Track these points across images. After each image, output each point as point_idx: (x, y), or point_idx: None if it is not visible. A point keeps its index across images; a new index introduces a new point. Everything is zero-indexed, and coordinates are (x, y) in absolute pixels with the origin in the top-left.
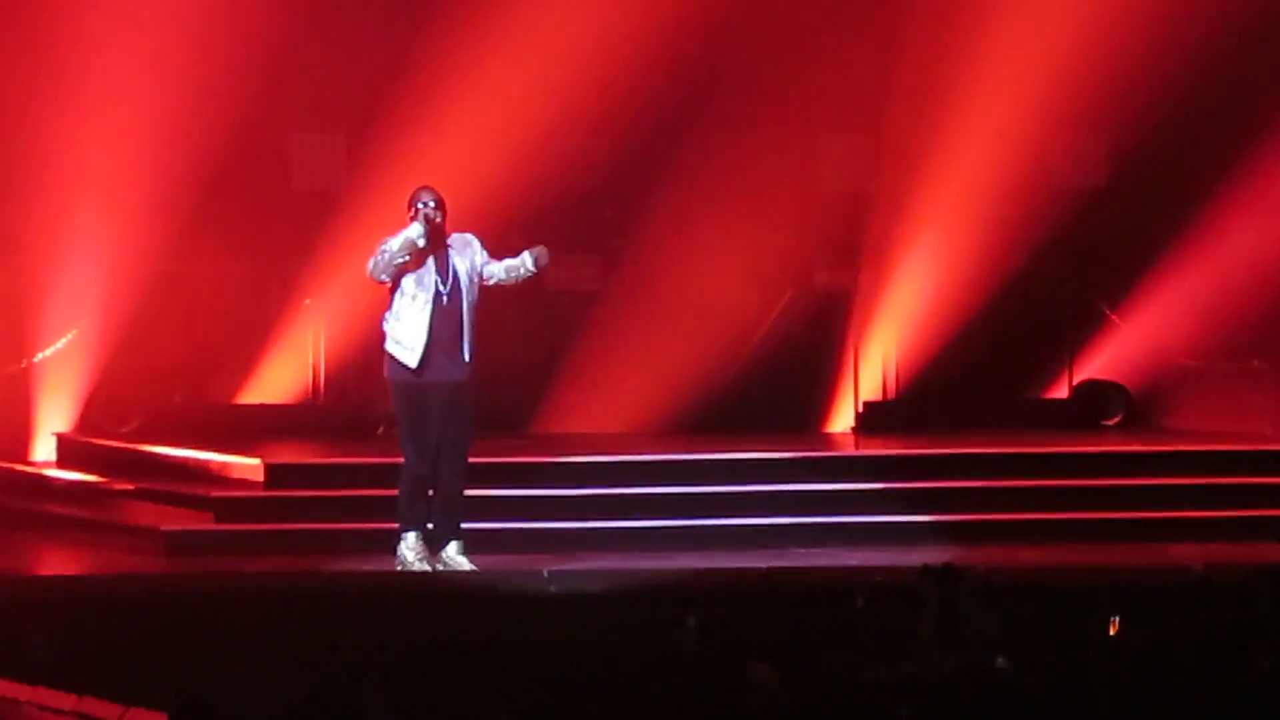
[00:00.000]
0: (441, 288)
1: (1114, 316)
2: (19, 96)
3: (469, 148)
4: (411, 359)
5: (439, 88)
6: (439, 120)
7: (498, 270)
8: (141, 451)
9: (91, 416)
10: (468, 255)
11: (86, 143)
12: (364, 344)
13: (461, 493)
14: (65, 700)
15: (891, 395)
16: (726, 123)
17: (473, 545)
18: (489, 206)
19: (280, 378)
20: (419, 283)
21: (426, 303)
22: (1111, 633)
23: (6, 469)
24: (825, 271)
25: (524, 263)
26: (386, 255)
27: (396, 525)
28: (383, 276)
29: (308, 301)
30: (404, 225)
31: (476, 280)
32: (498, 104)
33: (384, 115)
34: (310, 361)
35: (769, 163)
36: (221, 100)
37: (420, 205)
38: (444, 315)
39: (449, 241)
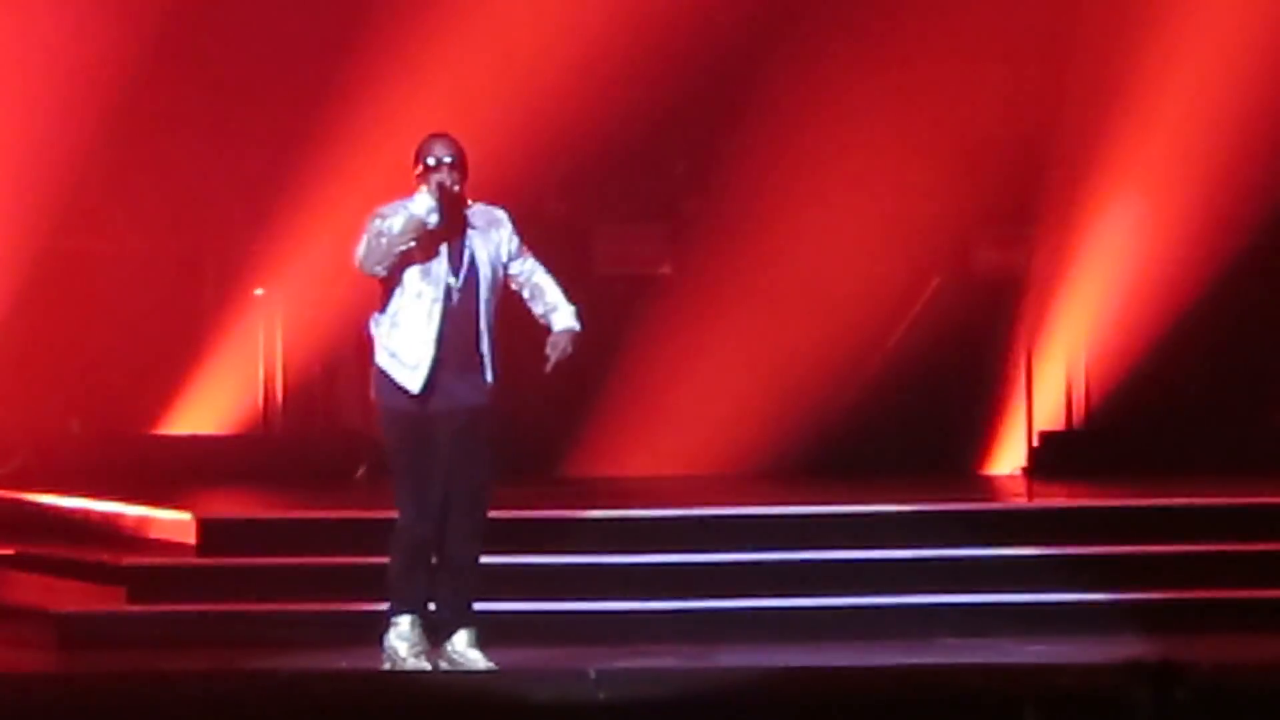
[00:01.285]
0: (453, 281)
1: None
2: None
3: (485, 80)
4: (413, 380)
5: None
6: (444, 48)
7: (531, 282)
8: (25, 502)
9: None
10: (493, 239)
11: None
12: (339, 350)
13: (477, 562)
14: None
15: (1078, 424)
16: (846, 47)
17: (490, 635)
18: (511, 161)
19: (220, 399)
20: (425, 274)
21: (435, 301)
22: None
23: None
24: (987, 250)
25: (556, 320)
26: (385, 240)
27: (385, 606)
28: (378, 269)
29: (259, 292)
30: (404, 190)
31: (501, 274)
32: (525, 21)
33: (371, 35)
34: (262, 375)
35: (907, 103)
36: (144, 41)
37: (430, 164)
38: (457, 319)
39: (469, 216)
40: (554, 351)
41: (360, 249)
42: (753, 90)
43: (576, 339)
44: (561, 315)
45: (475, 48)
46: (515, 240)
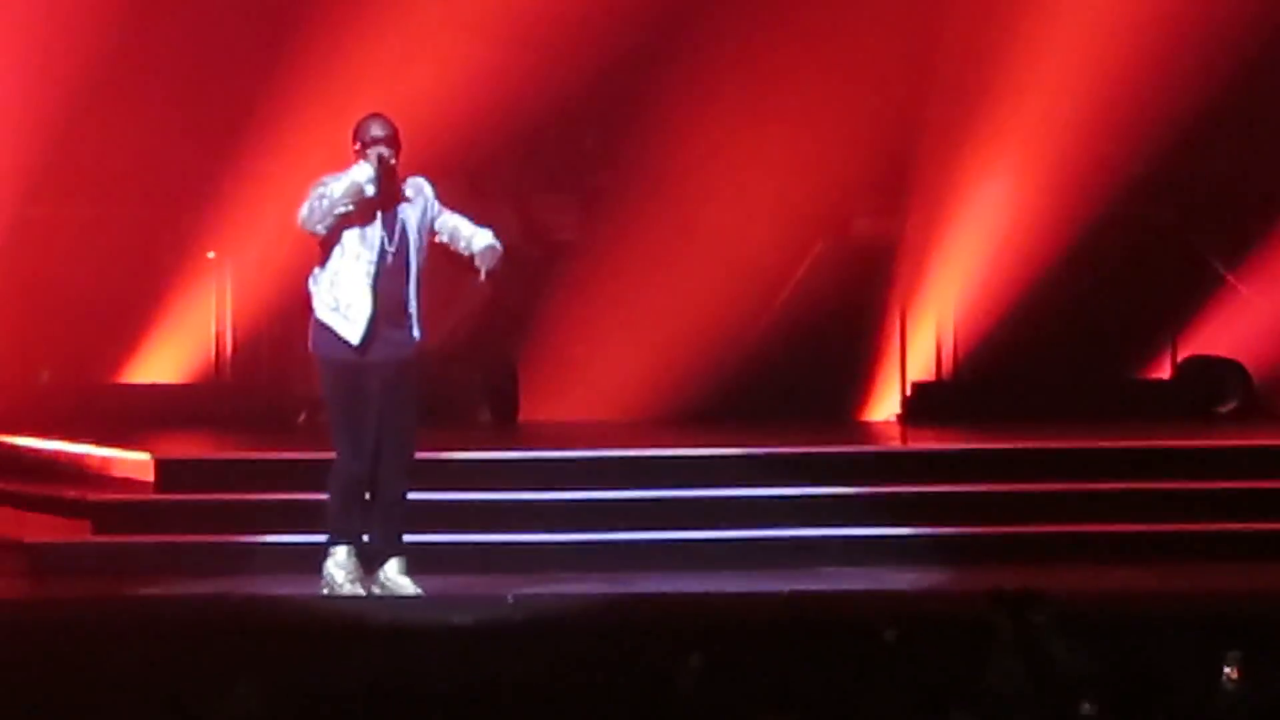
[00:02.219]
0: (388, 245)
1: (1230, 277)
2: None
3: (405, 60)
4: (352, 332)
5: None
6: (374, 32)
7: (449, 227)
8: (0, 444)
9: None
10: (419, 205)
11: None
12: (281, 307)
13: (405, 497)
14: None
15: (947, 375)
16: (741, 30)
17: (418, 563)
18: (429, 136)
19: (176, 351)
20: (362, 239)
21: (371, 263)
22: (1233, 676)
23: None
24: (865, 218)
25: (476, 242)
26: (326, 201)
27: (324, 538)
28: (318, 228)
29: (210, 255)
30: (342, 163)
31: (427, 237)
32: (452, 7)
33: (307, 27)
34: (213, 330)
35: (797, 88)
36: (97, 19)
37: (368, 140)
38: (390, 278)
39: (403, 189)
40: (483, 263)
41: (303, 210)
42: (660, 75)
43: (498, 254)
44: (480, 237)
45: (402, 32)
46: (436, 204)
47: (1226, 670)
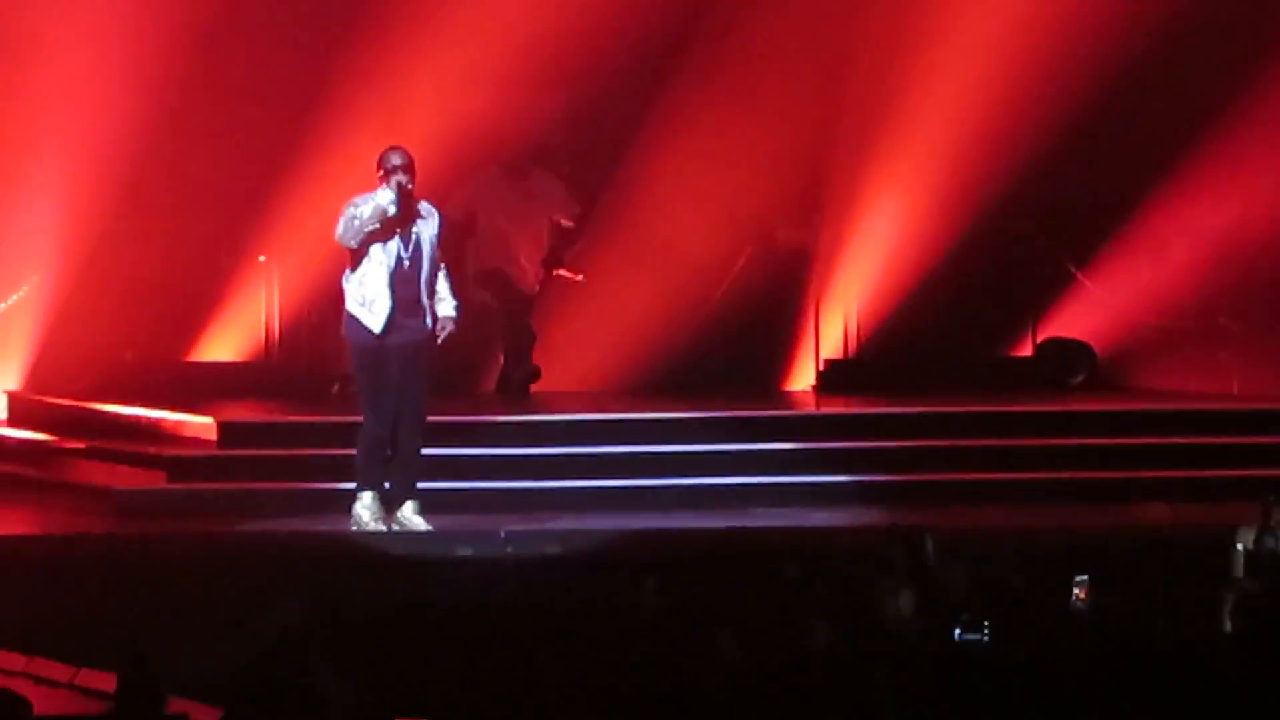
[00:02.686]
0: (404, 254)
1: (1080, 274)
2: None
3: (422, 102)
4: (375, 323)
5: (392, 46)
6: (391, 78)
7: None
8: (93, 410)
9: (42, 375)
10: (432, 223)
11: (34, 105)
12: (319, 302)
13: (419, 453)
14: (15, 661)
15: (853, 354)
16: (689, 82)
17: (429, 506)
18: (441, 161)
19: (234, 336)
20: (384, 248)
21: (391, 268)
22: (1081, 595)
23: None
24: (786, 229)
25: (441, 308)
26: (356, 222)
27: (353, 485)
28: (351, 243)
29: (262, 258)
30: (368, 186)
31: (435, 252)
32: (452, 56)
33: (338, 75)
34: (264, 319)
35: (735, 121)
36: (170, 61)
37: (390, 169)
38: (405, 280)
39: (418, 208)
40: (443, 330)
41: (339, 228)
42: (618, 114)
43: (456, 322)
44: (445, 305)
45: (414, 76)
46: (437, 237)
47: (1075, 590)
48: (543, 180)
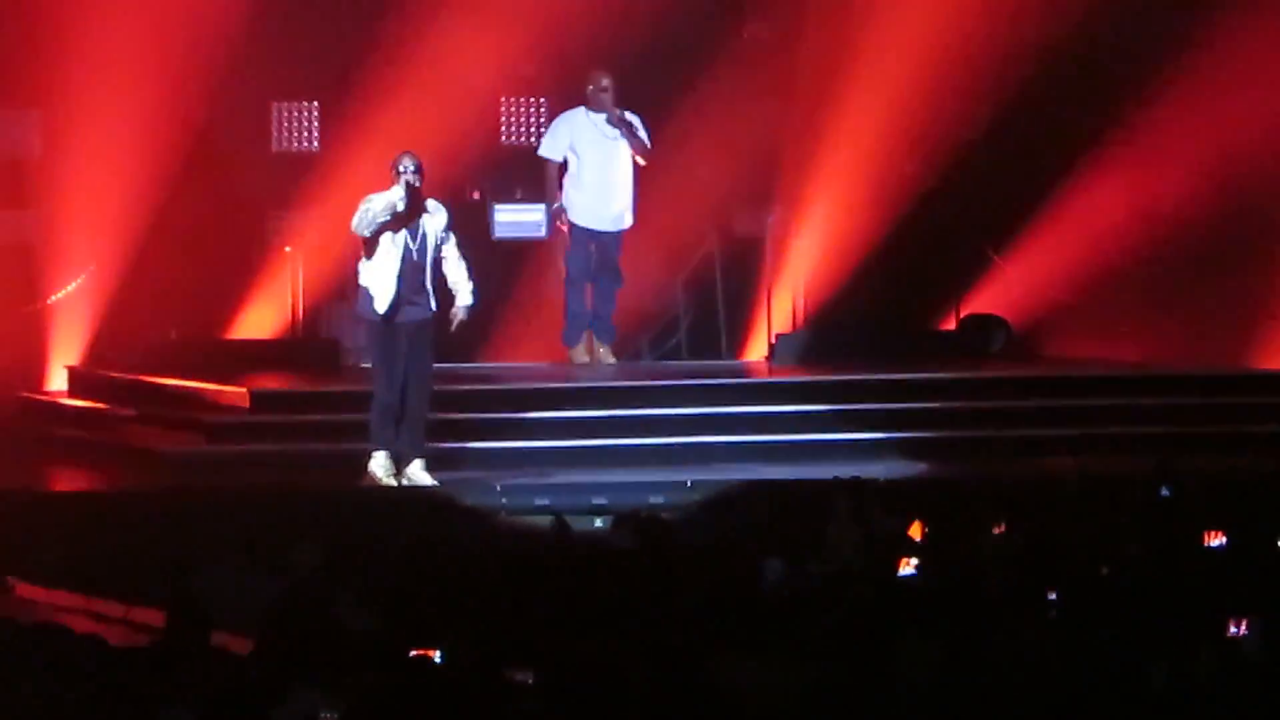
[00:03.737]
0: (411, 245)
1: (997, 259)
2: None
3: (432, 109)
4: (382, 305)
5: (406, 57)
6: (403, 87)
7: (447, 259)
8: (142, 381)
9: (99, 351)
10: (438, 219)
11: (93, 110)
12: (337, 286)
13: (425, 417)
14: (75, 600)
15: (801, 327)
16: (668, 93)
17: (435, 463)
18: (446, 163)
19: (264, 316)
20: (394, 239)
21: (399, 258)
22: (998, 532)
23: (25, 398)
24: (744, 219)
25: (458, 292)
26: (370, 214)
27: (367, 445)
28: (365, 232)
29: (288, 249)
30: (384, 184)
31: (439, 244)
32: (456, 70)
33: (356, 83)
34: (289, 301)
35: (692, 125)
36: (209, 69)
37: (401, 170)
38: (412, 269)
39: (425, 204)
40: (455, 318)
41: (354, 220)
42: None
43: (471, 309)
44: (462, 294)
45: (424, 87)
46: (448, 232)
47: (994, 530)
48: (624, 120)
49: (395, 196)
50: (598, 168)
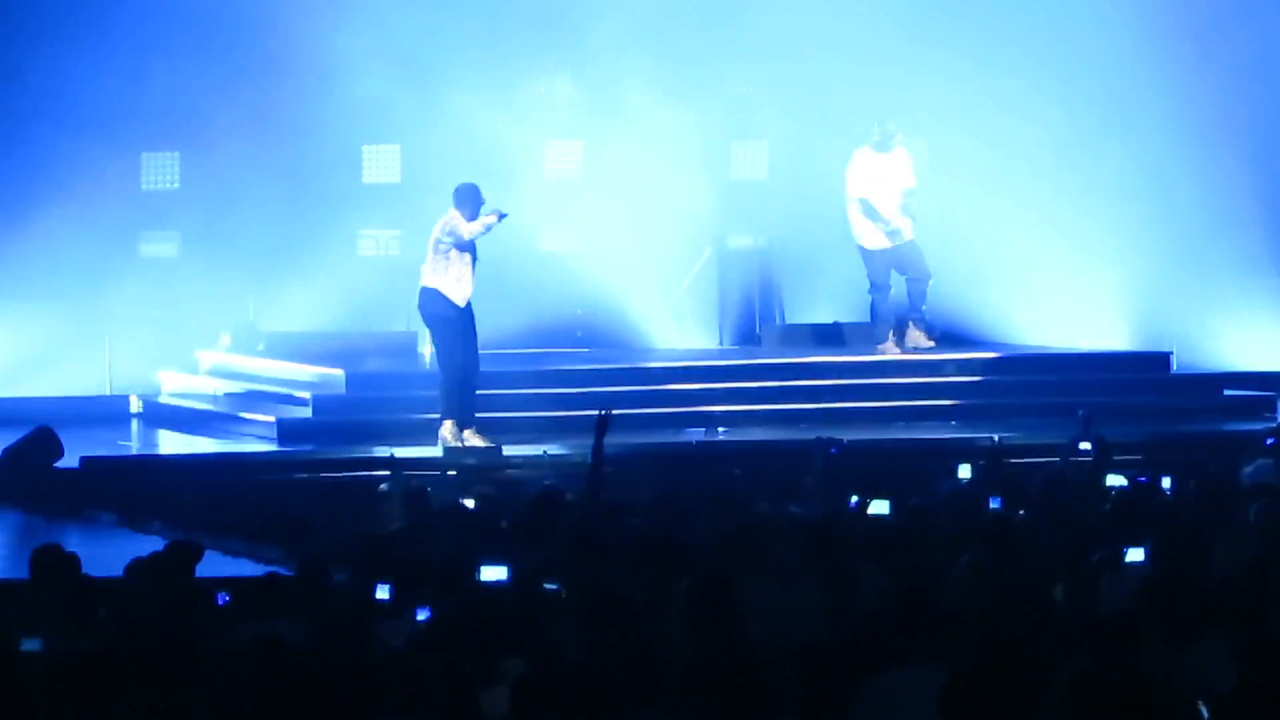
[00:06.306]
0: (476, 254)
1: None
2: None
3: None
4: (463, 299)
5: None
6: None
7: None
8: (261, 365)
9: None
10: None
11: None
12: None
13: (475, 390)
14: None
15: (782, 322)
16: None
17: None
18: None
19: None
20: (472, 249)
21: (473, 261)
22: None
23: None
24: (738, 236)
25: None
26: (481, 233)
27: (438, 415)
28: (469, 243)
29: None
30: (464, 213)
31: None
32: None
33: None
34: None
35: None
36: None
37: (484, 199)
38: (474, 270)
39: None
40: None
41: (464, 234)
42: None
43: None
44: None
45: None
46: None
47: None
48: (900, 153)
49: (497, 222)
50: None
